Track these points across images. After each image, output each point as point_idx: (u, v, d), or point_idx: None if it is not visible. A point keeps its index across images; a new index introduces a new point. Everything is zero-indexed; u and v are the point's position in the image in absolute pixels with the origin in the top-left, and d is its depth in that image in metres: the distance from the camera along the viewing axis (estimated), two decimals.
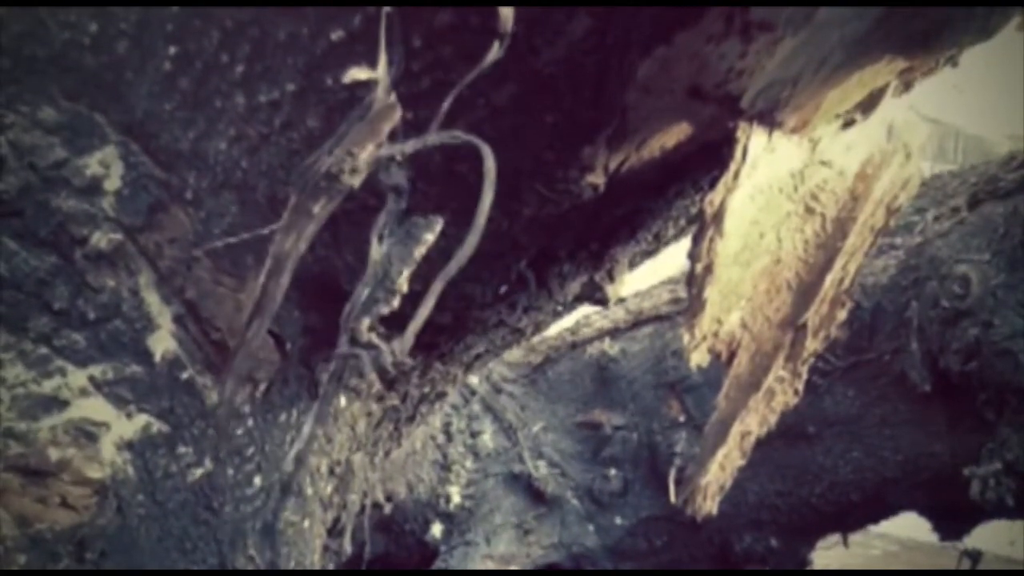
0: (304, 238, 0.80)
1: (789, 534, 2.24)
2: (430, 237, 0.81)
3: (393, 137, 0.80)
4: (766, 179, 0.94)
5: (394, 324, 0.83)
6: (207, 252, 0.99)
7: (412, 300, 0.82)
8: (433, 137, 0.79)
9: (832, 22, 0.80)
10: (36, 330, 0.96)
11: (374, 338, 0.82)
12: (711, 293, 0.94)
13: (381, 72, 0.78)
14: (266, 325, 0.84)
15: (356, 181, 0.80)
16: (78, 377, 0.97)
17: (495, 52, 0.78)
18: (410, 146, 0.78)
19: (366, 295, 0.80)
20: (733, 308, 0.97)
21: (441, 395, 1.40)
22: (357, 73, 0.79)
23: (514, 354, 2.30)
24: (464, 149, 0.84)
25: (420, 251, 0.81)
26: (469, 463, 2.28)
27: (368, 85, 0.80)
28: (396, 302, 0.81)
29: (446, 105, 0.79)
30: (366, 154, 0.78)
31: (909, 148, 0.99)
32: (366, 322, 0.80)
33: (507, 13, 0.76)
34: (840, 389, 2.10)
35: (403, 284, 0.80)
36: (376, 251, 0.81)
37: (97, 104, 0.97)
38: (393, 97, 0.79)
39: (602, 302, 1.24)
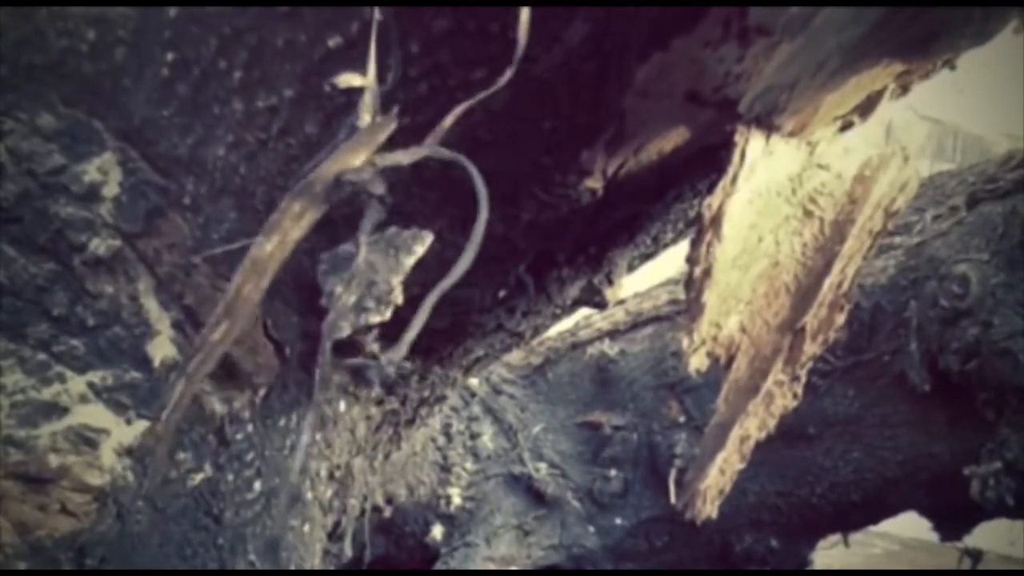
0: (288, 243, 0.80)
1: (790, 534, 2.24)
2: (420, 249, 0.81)
3: (389, 146, 0.79)
4: (764, 183, 0.94)
5: (388, 332, 0.82)
6: (206, 258, 0.99)
7: (407, 306, 0.82)
8: (422, 151, 0.79)
9: (829, 27, 0.80)
10: (35, 337, 0.97)
11: (372, 348, 0.81)
12: (709, 297, 0.94)
13: (370, 79, 0.78)
14: (237, 330, 0.82)
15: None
16: (77, 383, 0.97)
17: (506, 76, 0.78)
18: (406, 157, 0.78)
19: (352, 302, 0.80)
20: (732, 312, 0.96)
21: (441, 398, 1.40)
22: (350, 79, 0.79)
23: (514, 355, 2.30)
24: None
25: (410, 262, 0.80)
26: (469, 465, 2.28)
27: (364, 91, 0.80)
28: (389, 312, 0.80)
29: (449, 121, 0.79)
30: (362, 165, 0.78)
31: (907, 151, 0.99)
32: (362, 331, 0.79)
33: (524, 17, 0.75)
34: (840, 389, 2.10)
35: (398, 295, 0.80)
36: (360, 258, 0.80)
37: (95, 111, 0.97)
38: (379, 110, 0.78)
39: (601, 305, 1.24)
